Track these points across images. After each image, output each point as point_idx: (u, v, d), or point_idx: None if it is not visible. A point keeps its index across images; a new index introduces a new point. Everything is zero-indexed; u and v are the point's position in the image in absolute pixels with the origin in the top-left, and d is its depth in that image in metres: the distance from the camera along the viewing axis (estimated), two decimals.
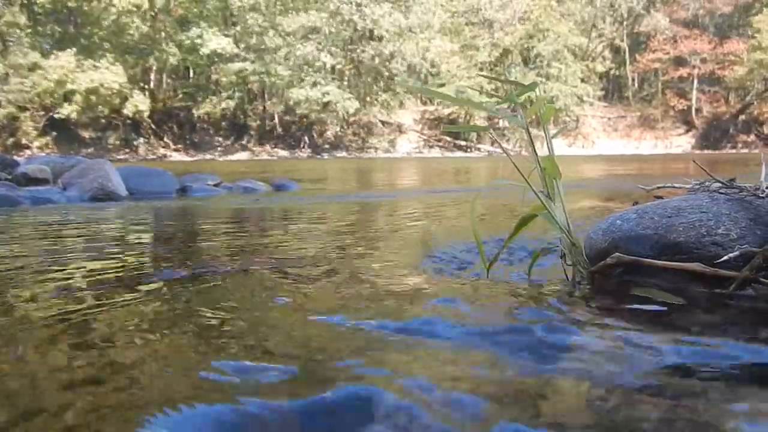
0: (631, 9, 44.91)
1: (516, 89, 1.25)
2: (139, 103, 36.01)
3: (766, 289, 1.14)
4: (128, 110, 35.75)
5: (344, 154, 40.15)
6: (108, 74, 34.84)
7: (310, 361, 0.84)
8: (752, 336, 0.94)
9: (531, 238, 1.79)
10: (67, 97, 34.33)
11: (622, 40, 44.97)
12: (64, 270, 1.60)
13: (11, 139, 33.55)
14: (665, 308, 1.09)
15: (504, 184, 1.37)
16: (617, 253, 1.26)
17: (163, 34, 37.08)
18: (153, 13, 36.86)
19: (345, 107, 38.88)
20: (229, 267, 1.60)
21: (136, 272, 1.55)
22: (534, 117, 1.27)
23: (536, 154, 1.25)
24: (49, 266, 1.66)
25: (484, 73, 41.05)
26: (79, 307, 1.18)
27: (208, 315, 1.10)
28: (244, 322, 1.04)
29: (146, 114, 36.74)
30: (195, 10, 37.86)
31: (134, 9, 36.01)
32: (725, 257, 1.16)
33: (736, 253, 1.16)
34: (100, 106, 34.97)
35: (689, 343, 0.88)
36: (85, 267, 1.65)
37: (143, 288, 1.35)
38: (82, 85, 33.92)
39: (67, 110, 34.20)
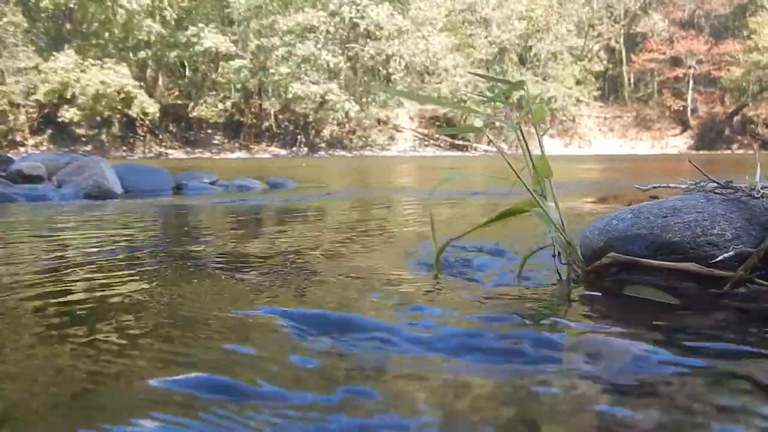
0: (628, 9, 44.99)
1: (505, 87, 1.25)
2: (147, 105, 35.73)
3: (761, 289, 1.14)
4: (134, 111, 35.47)
5: (341, 152, 40.09)
6: (113, 75, 34.54)
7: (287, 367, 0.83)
8: (746, 335, 0.94)
9: (524, 240, 1.79)
10: (71, 99, 33.95)
11: (618, 41, 45.04)
12: (49, 267, 1.59)
13: (6, 137, 33.36)
14: (660, 308, 1.09)
15: (461, 176, 1.38)
16: (613, 253, 1.25)
17: (154, 30, 36.85)
18: (162, 13, 36.69)
19: (345, 107, 38.81)
20: (219, 266, 1.59)
21: (121, 271, 1.54)
22: (527, 116, 1.26)
23: (529, 153, 1.25)
24: (34, 262, 1.65)
25: (480, 71, 41.02)
26: (62, 300, 1.18)
27: (189, 316, 1.09)
28: (225, 326, 1.04)
29: (157, 115, 36.54)
30: (193, 3, 37.65)
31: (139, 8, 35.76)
32: (720, 257, 1.16)
33: (731, 253, 1.16)
34: (105, 109, 34.63)
35: (684, 342, 0.88)
36: (72, 264, 1.64)
37: (124, 287, 1.34)
38: (90, 87, 33.45)
39: (71, 114, 33.83)
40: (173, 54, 37.63)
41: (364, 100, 40.09)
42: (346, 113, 39.06)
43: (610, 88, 45.91)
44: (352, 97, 39.27)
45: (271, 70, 38.10)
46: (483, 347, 0.87)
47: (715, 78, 42.53)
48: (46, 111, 34.28)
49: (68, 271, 1.54)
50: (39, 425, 0.64)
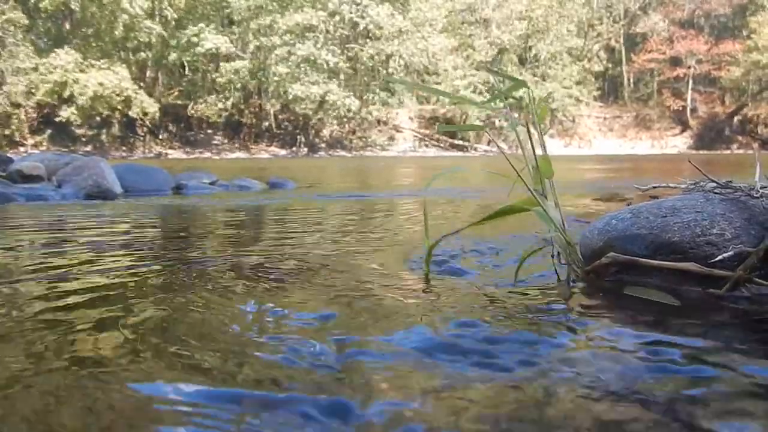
0: (628, 9, 44.98)
1: (506, 85, 1.25)
2: (147, 105, 35.64)
3: (760, 289, 1.14)
4: (134, 112, 35.40)
5: (341, 152, 40.08)
6: (111, 75, 34.46)
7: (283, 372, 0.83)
8: (745, 336, 0.94)
9: (521, 239, 1.79)
10: (70, 100, 33.85)
11: (618, 41, 45.02)
12: (49, 268, 1.59)
13: (6, 137, 33.31)
14: (659, 308, 1.09)
15: (455, 170, 1.37)
16: (612, 253, 1.25)
17: (155, 31, 36.79)
18: (163, 14, 36.64)
19: (345, 105, 38.76)
20: (218, 267, 1.59)
21: (120, 272, 1.54)
22: (528, 116, 1.26)
23: (533, 151, 1.25)
24: (34, 263, 1.65)
25: (483, 71, 40.98)
26: (57, 298, 1.18)
27: (187, 317, 1.09)
28: (224, 327, 1.04)
29: (157, 115, 36.49)
30: (192, 3, 37.60)
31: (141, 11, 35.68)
32: (719, 257, 1.16)
33: (731, 252, 1.16)
34: (104, 110, 34.56)
35: (683, 343, 0.88)
36: (71, 264, 1.64)
37: (123, 288, 1.34)
38: (89, 88, 33.34)
39: (68, 113, 33.72)
40: (173, 55, 37.61)
41: (364, 98, 40.06)
42: (348, 109, 39.03)
43: (609, 88, 45.89)
44: (352, 94, 39.25)
45: (272, 70, 38.08)
46: (480, 348, 0.87)
47: (715, 78, 42.52)
48: (45, 111, 34.22)
49: (67, 271, 1.54)
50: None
